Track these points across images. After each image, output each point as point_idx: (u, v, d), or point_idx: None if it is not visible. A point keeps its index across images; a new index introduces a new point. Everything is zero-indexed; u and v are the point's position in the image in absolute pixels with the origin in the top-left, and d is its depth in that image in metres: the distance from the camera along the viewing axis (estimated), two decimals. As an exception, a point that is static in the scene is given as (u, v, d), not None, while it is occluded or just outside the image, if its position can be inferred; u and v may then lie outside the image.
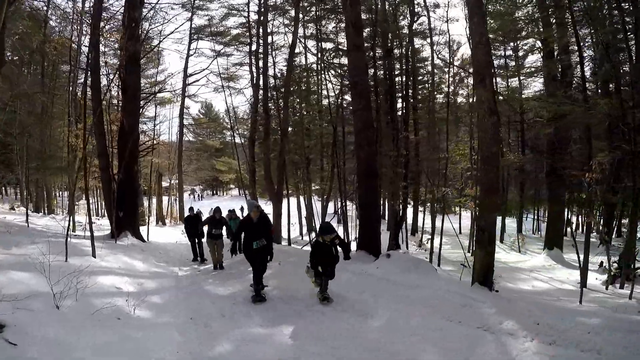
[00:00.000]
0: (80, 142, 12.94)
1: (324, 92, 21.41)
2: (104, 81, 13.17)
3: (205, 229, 9.87)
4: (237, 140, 47.19)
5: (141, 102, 12.60)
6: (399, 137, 18.88)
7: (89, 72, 11.45)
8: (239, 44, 24.94)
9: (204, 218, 11.13)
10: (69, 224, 7.65)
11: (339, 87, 20.29)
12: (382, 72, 19.90)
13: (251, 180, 20.52)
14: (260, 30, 22.09)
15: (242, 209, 25.90)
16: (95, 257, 7.59)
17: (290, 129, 21.30)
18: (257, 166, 21.47)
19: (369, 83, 11.54)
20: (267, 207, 21.49)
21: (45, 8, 19.05)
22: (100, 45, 12.50)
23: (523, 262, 15.54)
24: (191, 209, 11.62)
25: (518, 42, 22.32)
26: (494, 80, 7.70)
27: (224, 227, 9.79)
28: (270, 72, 23.86)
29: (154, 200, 26.08)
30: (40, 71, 20.66)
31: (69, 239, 8.87)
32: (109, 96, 13.05)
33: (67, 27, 19.55)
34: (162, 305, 5.92)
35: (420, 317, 5.46)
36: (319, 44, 20.79)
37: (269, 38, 19.76)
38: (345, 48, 16.42)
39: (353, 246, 17.25)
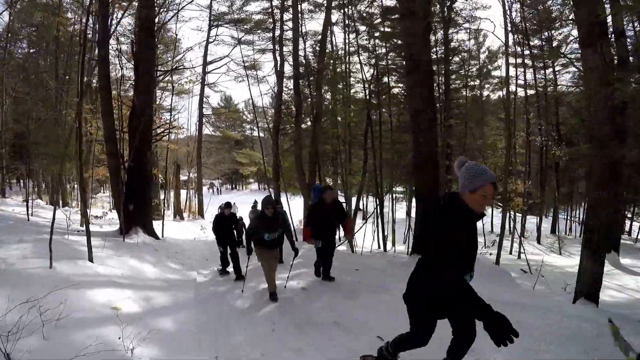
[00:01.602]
0: (89, 127, 11.42)
1: (359, 75, 19.55)
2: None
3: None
4: (257, 133, 46.55)
5: (156, 80, 10.89)
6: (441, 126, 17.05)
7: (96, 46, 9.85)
8: (261, 31, 23.50)
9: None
10: (53, 217, 5.96)
11: (372, 71, 18.53)
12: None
13: (275, 173, 18.90)
14: (284, 15, 20.67)
15: (255, 204, 24.50)
16: (92, 262, 5.94)
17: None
18: (281, 157, 19.89)
19: (428, 53, 9.66)
20: (296, 202, 20.10)
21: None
22: (110, 15, 10.90)
23: (572, 266, 13.72)
24: (226, 205, 8.09)
25: (552, 32, 20.35)
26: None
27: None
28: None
29: (172, 193, 24.72)
30: (54, 62, 19.48)
31: (67, 236, 7.41)
32: (120, 74, 11.38)
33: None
34: (175, 335, 4.19)
35: (553, 355, 3.65)
36: (353, 24, 18.88)
37: (299, 7, 17.88)
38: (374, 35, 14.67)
39: (401, 248, 15.78)
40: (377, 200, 15.29)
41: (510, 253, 15.12)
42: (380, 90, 18.16)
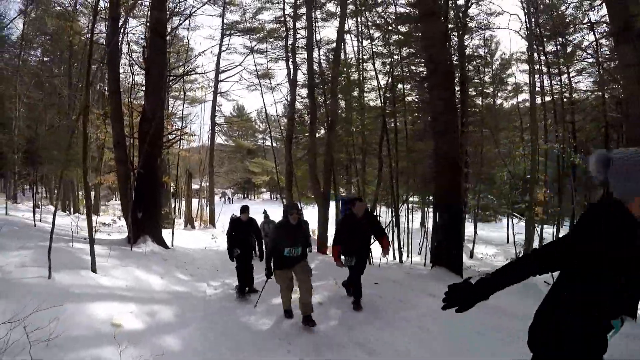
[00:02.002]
0: (98, 133, 11.17)
1: (373, 82, 19.16)
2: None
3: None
4: (270, 142, 46.37)
5: (168, 85, 10.63)
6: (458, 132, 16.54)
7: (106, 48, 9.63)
8: (274, 40, 23.38)
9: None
10: (53, 223, 5.60)
11: (386, 78, 18.13)
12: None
13: (288, 182, 18.50)
14: (297, 23, 20.52)
15: (265, 213, 24.13)
16: (95, 272, 5.56)
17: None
18: (295, 166, 19.51)
19: (449, 54, 9.26)
20: (309, 212, 19.66)
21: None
22: (121, 18, 10.69)
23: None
24: (244, 208, 7.16)
25: (566, 37, 19.84)
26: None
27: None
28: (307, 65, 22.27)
29: (183, 202, 24.47)
30: (67, 69, 19.55)
31: (72, 244, 7.07)
32: (131, 79, 11.15)
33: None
34: (179, 357, 3.76)
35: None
36: (367, 31, 18.53)
37: (313, 14, 17.63)
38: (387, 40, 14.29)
39: (417, 259, 15.21)
40: (393, 210, 14.78)
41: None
42: (396, 97, 17.73)
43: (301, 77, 20.65)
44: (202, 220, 23.85)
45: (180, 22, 12.74)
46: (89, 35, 6.55)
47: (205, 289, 7.19)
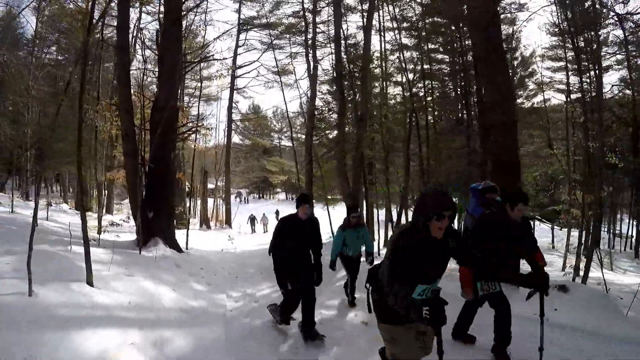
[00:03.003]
0: (109, 125, 10.23)
1: (397, 78, 17.98)
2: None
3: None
4: (286, 142, 45.42)
5: (183, 72, 9.60)
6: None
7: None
8: (292, 35, 22.44)
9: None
10: (33, 224, 4.53)
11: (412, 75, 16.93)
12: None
13: (308, 181, 17.45)
14: (317, 17, 19.57)
15: (277, 212, 23.27)
16: (91, 285, 4.51)
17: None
18: (315, 164, 18.46)
19: (500, 36, 8.06)
20: (337, 211, 18.58)
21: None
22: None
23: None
24: (304, 198, 4.40)
25: (591, 33, 18.39)
26: None
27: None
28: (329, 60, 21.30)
29: (199, 201, 23.59)
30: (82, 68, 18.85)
31: (71, 247, 6.05)
32: (143, 68, 10.16)
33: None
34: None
35: None
36: (396, 22, 17.36)
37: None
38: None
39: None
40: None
41: (563, 270, 13.05)
42: (426, 91, 16.51)
43: (321, 73, 19.82)
44: (217, 220, 22.94)
45: (196, 4, 11.53)
46: (90, 5, 5.52)
47: (224, 301, 6.14)
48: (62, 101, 7.14)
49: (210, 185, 28.04)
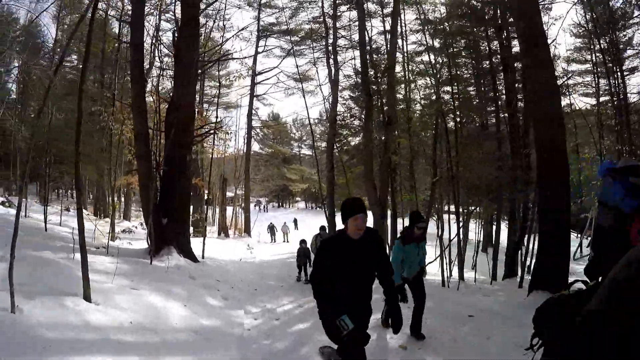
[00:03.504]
0: (120, 125, 9.77)
1: (426, 80, 17.16)
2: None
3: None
4: (306, 151, 44.92)
5: (201, 72, 9.10)
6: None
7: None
8: (312, 41, 22.07)
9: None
10: (15, 230, 3.89)
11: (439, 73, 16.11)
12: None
13: (329, 189, 16.76)
14: (337, 22, 19.11)
15: (295, 221, 22.53)
16: (88, 300, 3.90)
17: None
18: (337, 171, 17.78)
19: (542, 26, 7.29)
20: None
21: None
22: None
23: None
24: (354, 204, 2.67)
25: (617, 33, 17.28)
26: None
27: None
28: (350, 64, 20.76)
29: (217, 209, 23.12)
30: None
31: (73, 255, 5.49)
32: (160, 65, 9.70)
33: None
34: None
35: None
36: (422, 25, 16.63)
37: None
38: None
39: (482, 277, 13.05)
40: (457, 221, 12.68)
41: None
42: (452, 94, 15.66)
43: (342, 78, 19.31)
44: (236, 228, 22.39)
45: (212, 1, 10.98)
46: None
47: (242, 318, 5.45)
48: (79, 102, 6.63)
49: (230, 194, 27.60)
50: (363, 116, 20.48)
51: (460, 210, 13.80)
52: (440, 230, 11.67)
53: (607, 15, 16.77)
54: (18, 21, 19.94)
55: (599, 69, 17.87)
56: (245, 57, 19.15)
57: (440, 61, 15.97)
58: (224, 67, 21.86)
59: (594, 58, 18.08)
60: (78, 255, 5.28)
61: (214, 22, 16.52)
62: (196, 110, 8.79)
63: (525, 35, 7.23)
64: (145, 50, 9.62)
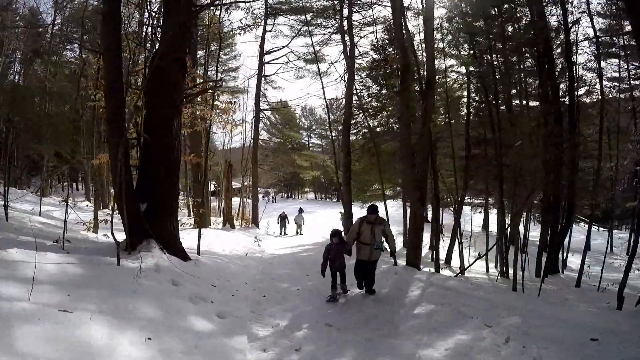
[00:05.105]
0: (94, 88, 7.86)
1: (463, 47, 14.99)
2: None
3: None
4: (315, 140, 42.91)
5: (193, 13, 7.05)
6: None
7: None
8: (325, 18, 20.20)
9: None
10: None
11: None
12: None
13: (345, 177, 15.00)
14: None
15: (300, 210, 20.59)
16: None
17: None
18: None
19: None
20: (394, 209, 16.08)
21: None
22: None
23: None
24: None
25: None
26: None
27: None
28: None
29: (222, 197, 21.24)
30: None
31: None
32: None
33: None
34: None
35: None
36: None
37: None
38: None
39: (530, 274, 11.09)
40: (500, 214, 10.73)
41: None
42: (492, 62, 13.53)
43: (358, 56, 17.38)
44: (243, 219, 20.51)
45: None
46: None
47: (244, 351, 3.57)
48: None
49: (237, 184, 25.82)
50: (381, 97, 18.72)
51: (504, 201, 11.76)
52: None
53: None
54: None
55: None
56: (253, 10, 16.65)
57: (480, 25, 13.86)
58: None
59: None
60: (18, 254, 3.47)
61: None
62: (187, 62, 6.74)
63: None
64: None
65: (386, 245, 5.87)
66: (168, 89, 6.01)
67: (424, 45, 12.89)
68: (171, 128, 6.12)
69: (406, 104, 8.28)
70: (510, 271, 11.46)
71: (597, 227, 19.03)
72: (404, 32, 9.90)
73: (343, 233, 6.19)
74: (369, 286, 5.78)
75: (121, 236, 5.62)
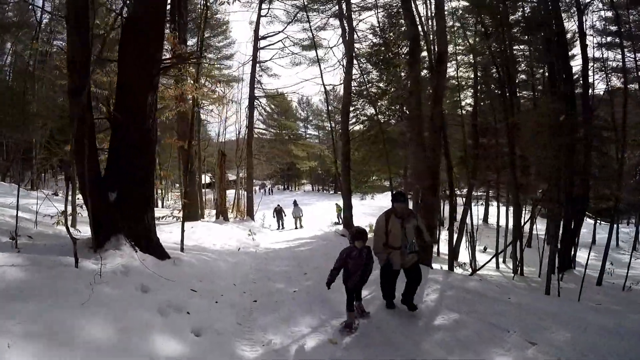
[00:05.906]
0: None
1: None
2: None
3: None
4: (312, 131, 42.03)
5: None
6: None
7: None
8: (321, 4, 19.37)
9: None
10: None
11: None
12: None
13: (344, 166, 14.32)
14: None
15: (295, 203, 19.63)
16: None
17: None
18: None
19: None
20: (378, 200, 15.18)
21: None
22: None
23: None
24: None
25: None
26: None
27: None
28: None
29: (215, 188, 20.37)
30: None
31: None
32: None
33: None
34: None
35: None
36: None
37: None
38: None
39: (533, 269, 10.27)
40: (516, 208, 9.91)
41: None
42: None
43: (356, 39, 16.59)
44: (238, 211, 19.63)
45: None
46: None
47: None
48: None
49: (232, 177, 24.88)
50: (382, 82, 17.86)
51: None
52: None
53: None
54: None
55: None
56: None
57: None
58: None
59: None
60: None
61: None
62: (164, 23, 5.82)
63: None
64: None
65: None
66: (141, 58, 5.09)
67: (430, 22, 12.09)
68: (144, 104, 5.21)
69: (416, 79, 7.40)
70: (526, 269, 10.78)
71: (599, 221, 18.43)
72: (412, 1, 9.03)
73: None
74: (408, 299, 4.37)
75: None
